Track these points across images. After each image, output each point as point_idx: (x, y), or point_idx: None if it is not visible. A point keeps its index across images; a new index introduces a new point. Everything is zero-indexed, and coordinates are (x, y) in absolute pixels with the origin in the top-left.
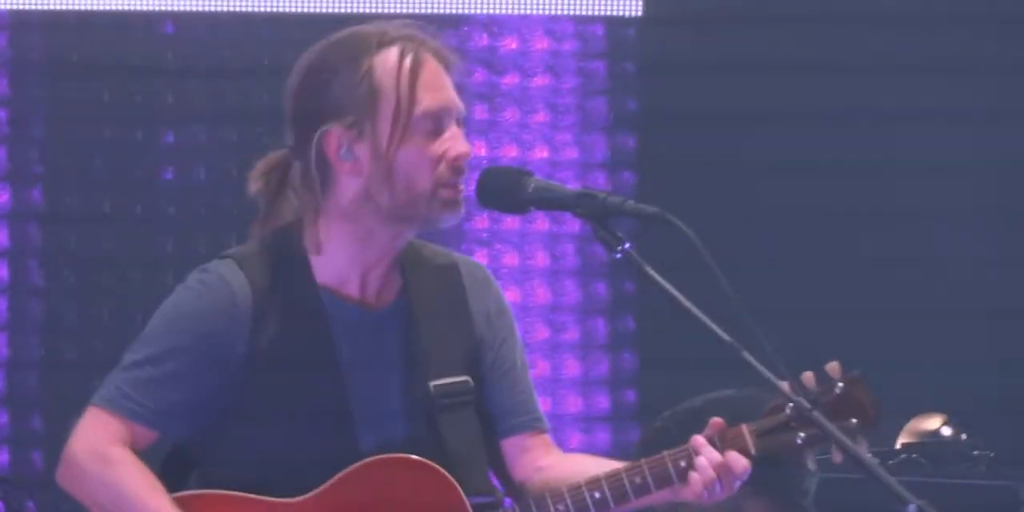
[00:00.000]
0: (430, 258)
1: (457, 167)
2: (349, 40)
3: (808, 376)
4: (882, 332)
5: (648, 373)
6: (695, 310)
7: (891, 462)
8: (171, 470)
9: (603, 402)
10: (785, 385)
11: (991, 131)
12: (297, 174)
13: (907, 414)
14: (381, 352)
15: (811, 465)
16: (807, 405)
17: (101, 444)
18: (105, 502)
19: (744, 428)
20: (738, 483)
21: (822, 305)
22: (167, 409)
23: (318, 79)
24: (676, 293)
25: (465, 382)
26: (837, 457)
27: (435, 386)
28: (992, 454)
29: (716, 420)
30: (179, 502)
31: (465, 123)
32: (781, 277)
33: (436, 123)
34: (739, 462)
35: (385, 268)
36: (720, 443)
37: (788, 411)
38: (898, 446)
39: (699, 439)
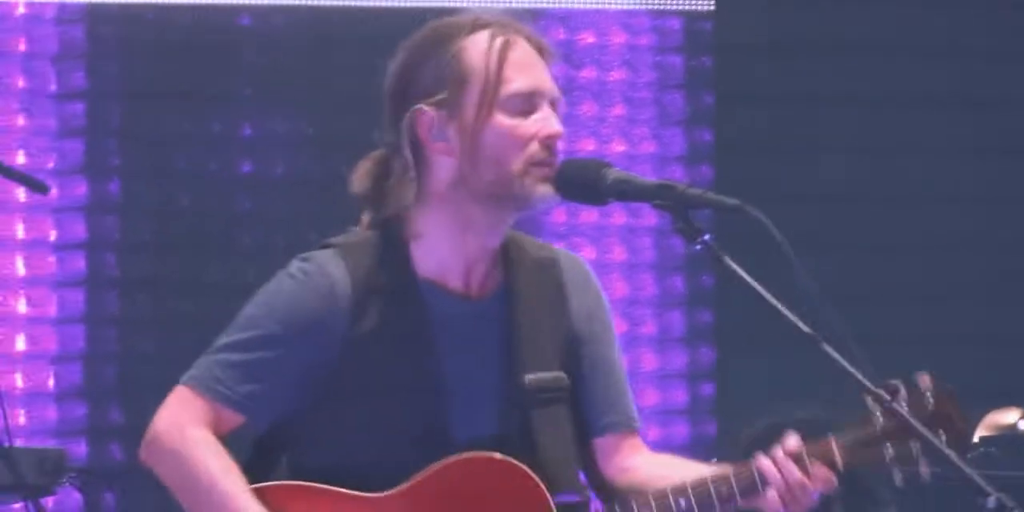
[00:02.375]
0: (531, 251)
1: (549, 146)
2: (442, 26)
3: (898, 387)
4: (964, 328)
5: (726, 366)
6: (775, 302)
7: (969, 456)
8: (262, 455)
9: (680, 395)
10: (866, 380)
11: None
12: (396, 167)
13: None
14: (479, 344)
15: (898, 481)
16: (887, 397)
17: (183, 423)
18: (180, 480)
19: (832, 442)
20: (818, 496)
21: (905, 293)
22: (255, 395)
23: (411, 63)
24: (756, 285)
25: (560, 378)
26: (925, 470)
27: (530, 380)
28: None
29: (793, 435)
30: (262, 492)
31: (560, 110)
32: (860, 268)
33: (527, 103)
34: (823, 478)
35: (488, 260)
36: (808, 456)
37: (877, 426)
38: (975, 440)
39: (781, 454)
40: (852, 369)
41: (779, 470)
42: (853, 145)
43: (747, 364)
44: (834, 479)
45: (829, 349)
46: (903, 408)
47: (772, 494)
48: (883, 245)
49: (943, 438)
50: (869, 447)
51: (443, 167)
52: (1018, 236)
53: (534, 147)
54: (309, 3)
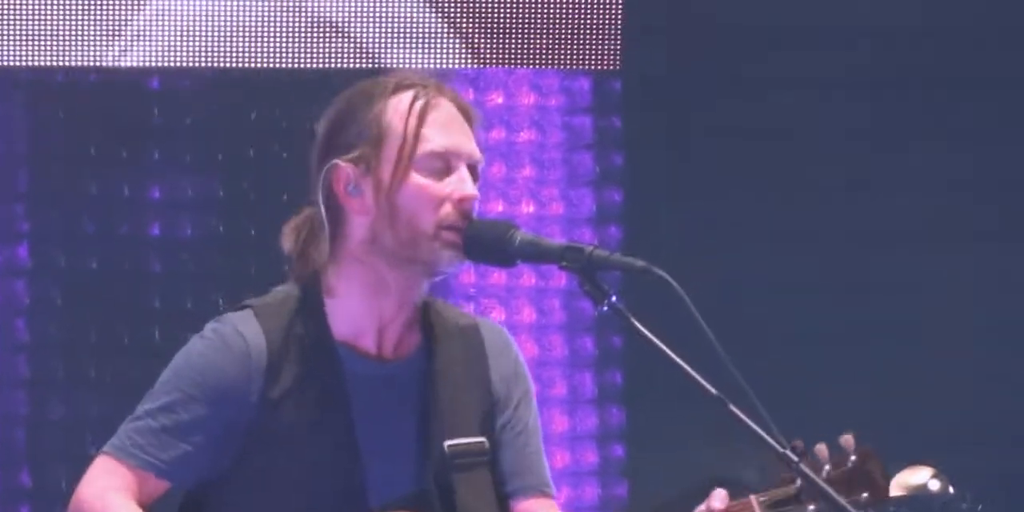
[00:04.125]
0: (451, 318)
1: (462, 210)
2: (368, 85)
3: (821, 448)
4: (874, 387)
5: (636, 427)
6: (682, 363)
7: None
8: None
9: (591, 457)
10: (772, 438)
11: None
12: (316, 223)
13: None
14: (396, 408)
15: None
16: (794, 458)
17: (105, 491)
18: None
19: (753, 500)
20: None
21: (807, 363)
22: (177, 459)
23: (334, 121)
24: (663, 346)
25: (481, 443)
26: None
27: (450, 446)
28: (980, 507)
29: (720, 491)
30: None
31: (479, 175)
32: (770, 332)
33: (443, 163)
34: None
35: (403, 322)
36: None
37: (796, 485)
38: None
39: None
40: (760, 431)
41: None
42: (766, 210)
43: (658, 425)
44: None
45: (736, 411)
46: (809, 470)
47: None
48: (799, 287)
49: (864, 497)
50: (789, 505)
51: (358, 225)
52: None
53: (447, 209)
54: (217, 66)
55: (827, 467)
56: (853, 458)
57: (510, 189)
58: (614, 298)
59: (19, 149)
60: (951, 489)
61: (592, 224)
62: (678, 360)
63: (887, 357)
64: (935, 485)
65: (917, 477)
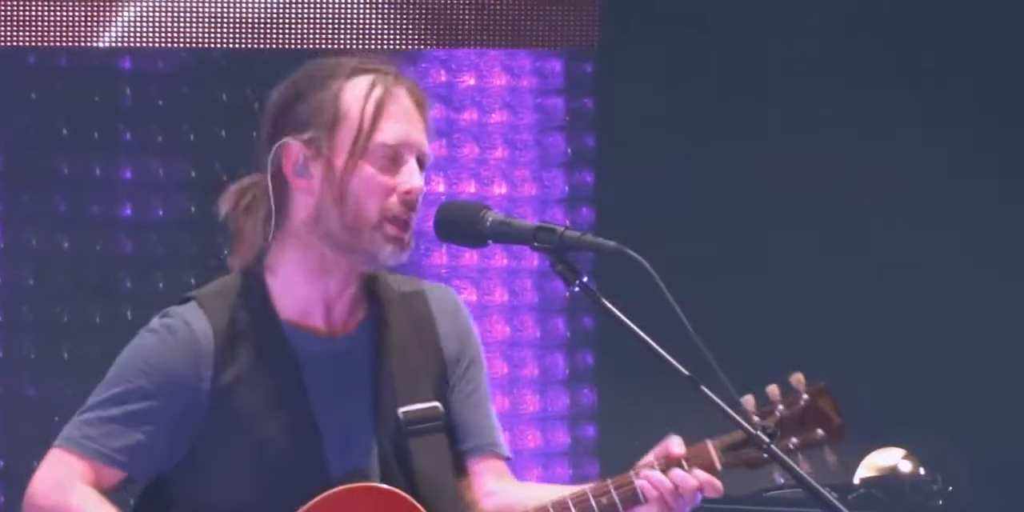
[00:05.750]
0: (395, 286)
1: (407, 201)
2: (326, 64)
3: (773, 389)
4: (844, 366)
5: (607, 408)
6: (652, 344)
7: (850, 497)
8: (146, 507)
9: (562, 437)
10: (743, 419)
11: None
12: (260, 198)
13: (867, 446)
14: (349, 380)
15: (778, 478)
16: (765, 440)
17: (61, 483)
18: None
19: (709, 444)
20: (699, 497)
21: (779, 344)
22: (129, 449)
23: (287, 97)
24: (633, 326)
25: (435, 408)
26: (832, 458)
27: (404, 412)
28: (950, 488)
29: (675, 437)
30: None
31: (427, 164)
32: (738, 312)
33: (394, 154)
34: (705, 482)
35: (349, 298)
36: (686, 461)
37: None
38: (857, 481)
39: (648, 462)
40: (730, 411)
41: (655, 486)
42: (737, 191)
43: (628, 406)
44: (717, 483)
45: (707, 391)
46: (778, 450)
47: (653, 506)
48: (771, 267)
49: (820, 434)
50: (747, 447)
51: (303, 204)
52: None
53: (393, 200)
54: (190, 46)
55: (780, 407)
56: (805, 397)
57: (482, 170)
58: (585, 279)
59: None
60: (922, 470)
61: (564, 205)
62: (649, 341)
63: (861, 341)
64: (906, 466)
65: (888, 458)
